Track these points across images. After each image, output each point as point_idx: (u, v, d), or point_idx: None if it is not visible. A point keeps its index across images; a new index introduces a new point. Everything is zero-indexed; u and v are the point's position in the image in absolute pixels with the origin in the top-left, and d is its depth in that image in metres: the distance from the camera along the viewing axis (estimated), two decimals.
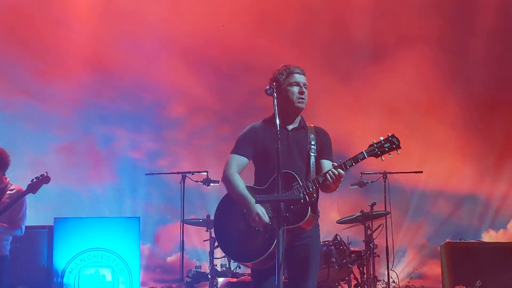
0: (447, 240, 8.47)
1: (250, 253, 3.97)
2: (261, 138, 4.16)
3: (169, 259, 9.34)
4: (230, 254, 4.22)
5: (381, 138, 4.00)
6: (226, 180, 4.12)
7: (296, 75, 4.12)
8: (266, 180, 4.06)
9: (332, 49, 9.95)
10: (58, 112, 9.69)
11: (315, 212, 4.03)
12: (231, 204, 4.12)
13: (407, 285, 8.62)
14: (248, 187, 4.09)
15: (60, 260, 7.34)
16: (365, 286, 6.71)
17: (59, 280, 7.29)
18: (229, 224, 4.10)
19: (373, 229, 6.84)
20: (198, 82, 9.85)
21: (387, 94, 9.78)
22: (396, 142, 3.99)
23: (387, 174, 7.69)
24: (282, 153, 3.99)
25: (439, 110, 9.92)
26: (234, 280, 6.62)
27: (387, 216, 7.25)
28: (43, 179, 5.72)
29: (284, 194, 3.79)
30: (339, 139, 9.42)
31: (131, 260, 7.45)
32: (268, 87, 3.89)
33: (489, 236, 9.35)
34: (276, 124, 3.75)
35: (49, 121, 9.57)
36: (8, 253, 5.84)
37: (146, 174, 8.48)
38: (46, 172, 5.76)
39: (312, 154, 4.11)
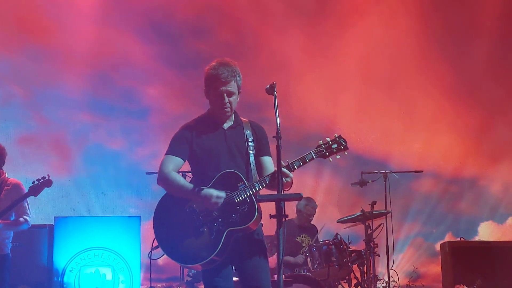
0: (447, 239, 8.49)
1: (196, 255, 3.90)
2: (197, 137, 4.06)
3: (161, 258, 9.18)
4: (175, 257, 4.04)
5: (328, 139, 3.98)
6: (164, 179, 4.01)
7: (221, 87, 3.95)
8: (207, 179, 3.97)
9: (306, 9, 9.45)
10: (15, 94, 9.04)
11: (261, 212, 3.95)
12: (171, 205, 4.02)
13: (407, 284, 8.62)
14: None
15: (61, 259, 7.35)
16: (365, 285, 6.71)
17: (59, 279, 7.29)
18: (171, 227, 3.99)
19: (374, 229, 6.84)
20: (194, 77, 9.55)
21: (369, 60, 9.30)
22: (343, 143, 3.98)
23: (388, 173, 7.68)
24: (222, 153, 4.02)
25: (428, 79, 9.43)
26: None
27: (388, 215, 7.24)
28: (45, 182, 5.71)
29: (284, 193, 3.75)
30: (324, 121, 9.19)
31: (131, 259, 7.46)
32: (268, 86, 3.85)
33: (488, 229, 9.27)
34: (277, 123, 3.73)
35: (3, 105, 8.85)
36: (9, 251, 5.85)
37: (146, 173, 8.44)
38: (48, 175, 5.76)
39: (250, 151, 4.02)
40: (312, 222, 7.77)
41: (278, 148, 3.69)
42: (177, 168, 4.06)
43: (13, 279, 6.12)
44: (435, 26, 9.47)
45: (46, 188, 5.74)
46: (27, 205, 5.87)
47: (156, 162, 8.99)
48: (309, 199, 7.59)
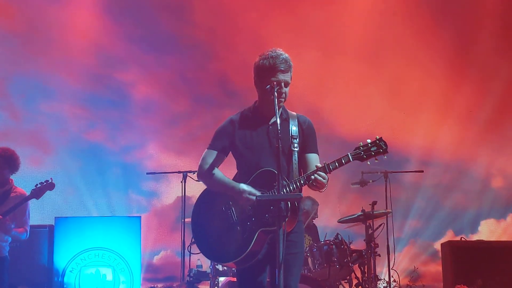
0: (448, 239, 8.48)
1: (227, 254, 3.87)
2: (240, 131, 3.98)
3: (156, 257, 9.16)
4: (209, 255, 4.07)
5: (368, 141, 3.85)
6: (203, 174, 3.99)
7: (280, 75, 3.87)
8: (247, 176, 3.92)
9: None
10: None
11: (296, 212, 3.87)
12: (208, 203, 4.01)
13: (408, 284, 8.61)
14: None
15: (61, 260, 7.35)
16: (366, 286, 6.71)
17: (59, 280, 7.30)
18: (206, 225, 3.98)
19: (374, 228, 6.83)
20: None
21: (362, 41, 8.86)
22: (383, 146, 3.83)
23: (388, 173, 7.67)
24: (263, 149, 3.93)
25: (432, 64, 9.00)
26: (235, 279, 6.61)
27: (388, 215, 7.24)
28: (47, 185, 5.72)
29: (284, 193, 3.72)
30: (316, 113, 8.93)
31: (132, 259, 7.46)
32: (268, 86, 3.82)
33: (489, 226, 9.18)
34: (277, 124, 3.67)
35: None
36: (7, 254, 5.84)
37: (147, 173, 8.46)
38: (51, 178, 5.76)
39: (294, 149, 3.89)
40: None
41: (277, 148, 3.64)
42: (217, 163, 4.00)
43: (13, 279, 6.12)
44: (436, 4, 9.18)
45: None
46: (28, 216, 5.86)
47: (153, 161, 9.02)
48: (313, 199, 7.59)
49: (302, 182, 3.81)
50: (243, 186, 3.85)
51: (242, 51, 8.64)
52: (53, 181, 5.74)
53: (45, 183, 5.73)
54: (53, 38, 8.93)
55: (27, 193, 5.85)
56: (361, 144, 3.86)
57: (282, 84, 3.87)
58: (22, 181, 6.09)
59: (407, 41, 9.16)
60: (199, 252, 4.07)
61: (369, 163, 3.88)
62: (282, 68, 3.87)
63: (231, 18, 9.15)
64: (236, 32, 9.07)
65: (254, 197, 3.81)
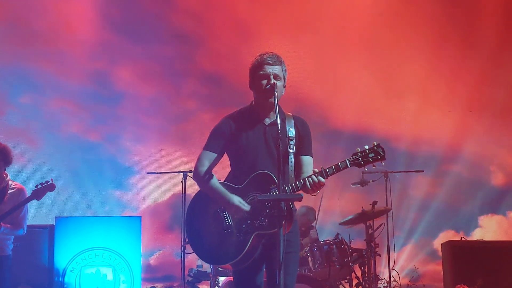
0: (449, 238, 8.47)
1: (222, 256, 3.88)
2: (236, 131, 3.97)
3: (153, 257, 9.14)
4: (204, 256, 4.06)
5: (366, 147, 3.86)
6: (198, 176, 3.99)
7: (267, 67, 3.90)
8: (242, 178, 3.92)
9: None
10: None
11: (292, 213, 3.86)
12: (202, 205, 4.00)
13: (408, 284, 8.62)
14: (221, 184, 3.96)
15: (61, 259, 7.35)
16: (366, 285, 6.71)
17: (60, 279, 7.30)
18: (200, 226, 3.97)
19: (374, 228, 6.84)
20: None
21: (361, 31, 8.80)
22: (381, 152, 3.85)
23: (389, 173, 7.67)
24: (259, 150, 3.93)
25: (435, 56, 8.91)
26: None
27: (389, 215, 7.23)
28: (48, 187, 5.71)
29: (285, 194, 3.72)
30: (309, 106, 8.83)
31: (132, 259, 7.46)
32: (269, 86, 3.84)
33: (491, 224, 9.14)
34: (277, 124, 3.68)
35: None
36: (11, 252, 5.85)
37: (147, 173, 8.46)
38: (51, 179, 5.75)
39: (290, 150, 3.88)
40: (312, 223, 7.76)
41: (278, 148, 3.65)
42: (213, 164, 3.99)
43: (13, 279, 6.12)
44: None
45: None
46: (25, 213, 5.85)
47: (151, 161, 8.99)
48: (309, 209, 7.55)
49: (299, 185, 3.81)
50: (234, 200, 3.85)
51: (228, 40, 8.64)
52: (53, 182, 5.73)
53: (45, 184, 5.71)
54: (39, 30, 8.80)
55: (24, 187, 5.86)
56: (359, 150, 3.87)
57: (271, 76, 3.89)
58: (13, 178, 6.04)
59: (408, 34, 9.10)
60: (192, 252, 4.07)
61: (366, 169, 3.92)
62: (269, 61, 3.91)
63: (229, 16, 9.14)
64: (234, 29, 9.07)
65: (245, 208, 3.82)
